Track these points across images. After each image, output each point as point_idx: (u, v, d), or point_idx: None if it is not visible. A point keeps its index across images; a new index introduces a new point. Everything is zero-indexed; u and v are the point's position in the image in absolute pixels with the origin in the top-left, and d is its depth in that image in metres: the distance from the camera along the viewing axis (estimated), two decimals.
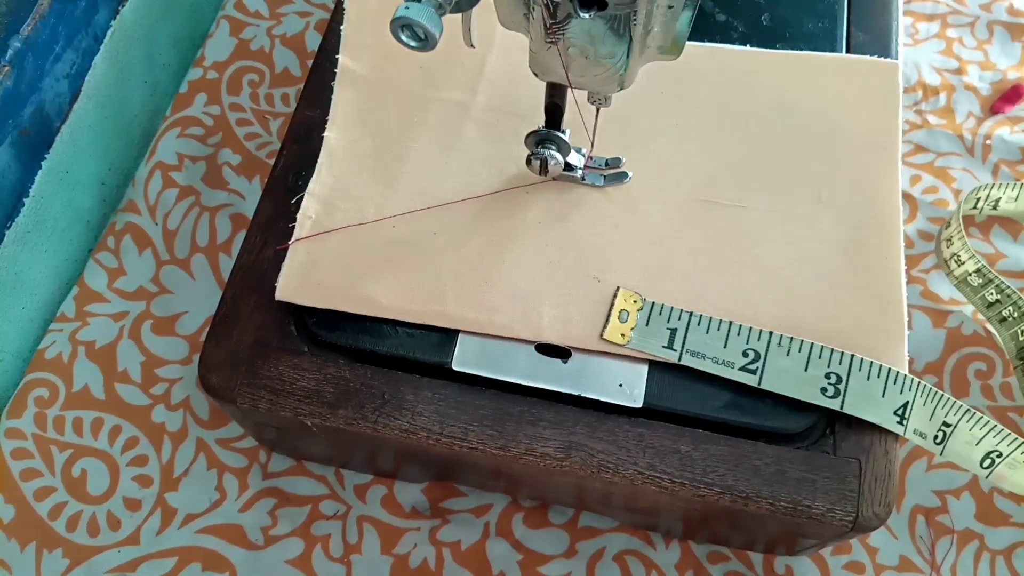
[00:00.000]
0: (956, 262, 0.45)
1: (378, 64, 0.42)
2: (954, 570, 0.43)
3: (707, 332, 0.36)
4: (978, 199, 0.48)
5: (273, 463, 0.45)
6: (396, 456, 0.40)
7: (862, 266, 0.37)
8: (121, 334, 0.47)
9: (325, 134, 0.40)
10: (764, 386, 0.35)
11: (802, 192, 0.39)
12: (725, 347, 0.36)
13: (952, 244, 0.46)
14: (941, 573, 0.43)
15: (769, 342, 0.36)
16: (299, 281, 0.37)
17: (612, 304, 0.37)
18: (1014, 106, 0.52)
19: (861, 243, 0.38)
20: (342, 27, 0.42)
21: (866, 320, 0.36)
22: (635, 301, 0.37)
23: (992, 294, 0.43)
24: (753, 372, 0.35)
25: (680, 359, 0.36)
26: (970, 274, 0.44)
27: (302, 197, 0.39)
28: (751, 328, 0.36)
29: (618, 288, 0.37)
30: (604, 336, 0.36)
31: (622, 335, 0.36)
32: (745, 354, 0.36)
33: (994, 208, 0.48)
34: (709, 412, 0.35)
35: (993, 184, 0.47)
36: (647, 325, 0.36)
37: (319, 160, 0.40)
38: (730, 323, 0.36)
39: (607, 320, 0.36)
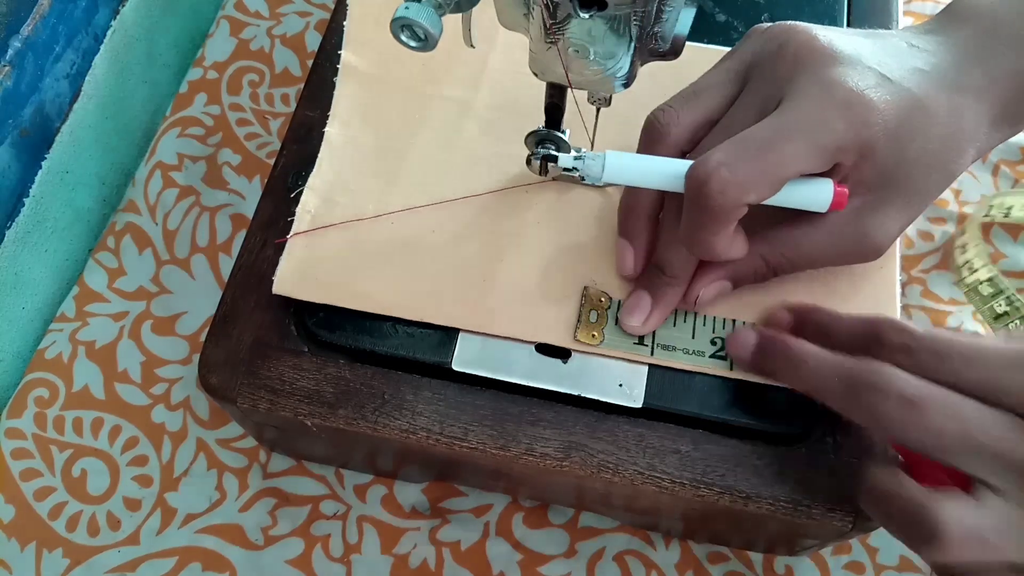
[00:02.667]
0: (969, 269, 0.44)
1: (380, 60, 0.42)
2: None
3: (674, 325, 0.36)
4: (991, 207, 0.48)
5: (273, 463, 0.45)
6: (396, 456, 0.40)
7: (857, 269, 0.37)
8: (121, 334, 0.47)
9: (326, 129, 0.40)
10: (736, 372, 0.35)
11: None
12: (693, 338, 0.36)
13: (966, 251, 0.46)
14: None
15: (734, 329, 0.36)
16: (296, 275, 0.37)
17: (581, 304, 0.37)
18: None
19: None
20: (344, 22, 0.42)
21: None
22: (602, 300, 0.37)
23: (1001, 305, 0.43)
24: (723, 359, 0.36)
25: (652, 354, 0.36)
26: (981, 283, 0.44)
27: (302, 191, 0.39)
28: (715, 317, 0.36)
29: (585, 288, 0.37)
30: (577, 337, 0.36)
31: (593, 335, 0.36)
32: (713, 342, 0.36)
33: (1006, 215, 0.48)
34: (709, 412, 0.35)
35: (1007, 192, 0.47)
36: (616, 324, 0.36)
37: (320, 154, 0.40)
38: (695, 314, 0.36)
39: (578, 321, 0.36)
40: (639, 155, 0.34)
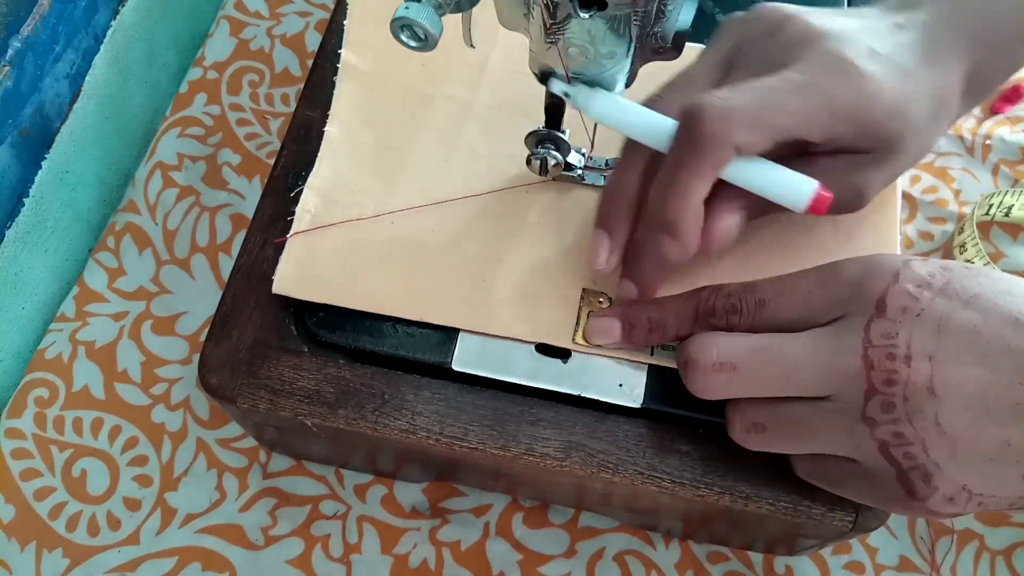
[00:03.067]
0: None
1: (380, 59, 0.42)
2: (954, 570, 0.43)
3: None
4: (991, 205, 0.48)
5: (273, 463, 0.45)
6: (396, 456, 0.40)
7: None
8: (121, 334, 0.47)
9: (326, 128, 0.40)
10: None
11: None
12: None
13: (966, 250, 0.46)
14: (941, 573, 0.43)
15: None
16: (296, 274, 0.37)
17: (579, 306, 0.37)
18: (1014, 106, 0.52)
19: (858, 247, 0.38)
20: (345, 22, 0.42)
21: None
22: (601, 300, 0.37)
23: None
24: None
25: (652, 354, 0.36)
26: None
27: (301, 191, 0.39)
28: None
29: (584, 289, 0.37)
30: (575, 339, 0.36)
31: None
32: None
33: (1006, 215, 0.48)
34: (709, 412, 0.35)
35: (1006, 191, 0.47)
36: None
37: (319, 154, 0.40)
38: None
39: (577, 321, 0.36)
40: (633, 103, 0.33)
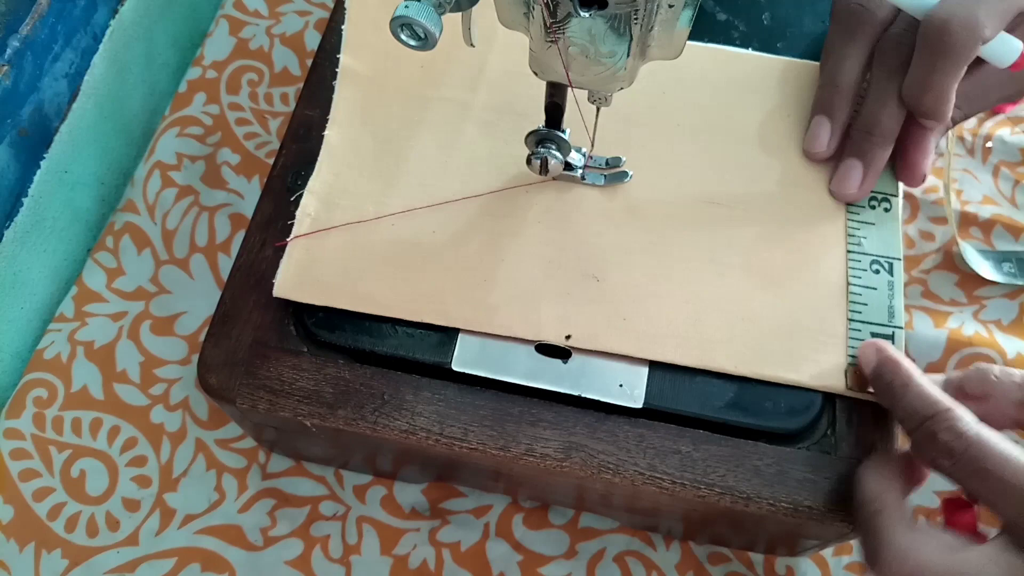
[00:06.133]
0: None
1: (379, 63, 0.42)
2: None
3: None
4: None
5: (272, 463, 0.45)
6: (396, 457, 0.40)
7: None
8: (120, 334, 0.47)
9: (326, 132, 0.40)
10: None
11: (802, 194, 0.39)
12: None
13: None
14: None
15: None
16: (297, 278, 0.37)
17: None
18: (1014, 106, 0.52)
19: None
20: (343, 26, 0.42)
21: None
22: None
23: None
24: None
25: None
26: None
27: (301, 194, 0.39)
28: None
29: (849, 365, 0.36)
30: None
31: None
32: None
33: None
34: (709, 412, 0.35)
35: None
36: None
37: (319, 158, 0.40)
38: None
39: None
40: None
